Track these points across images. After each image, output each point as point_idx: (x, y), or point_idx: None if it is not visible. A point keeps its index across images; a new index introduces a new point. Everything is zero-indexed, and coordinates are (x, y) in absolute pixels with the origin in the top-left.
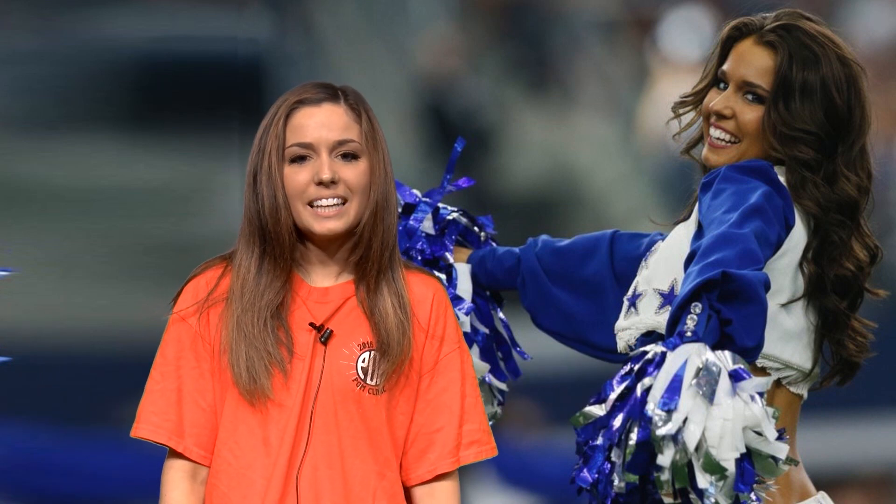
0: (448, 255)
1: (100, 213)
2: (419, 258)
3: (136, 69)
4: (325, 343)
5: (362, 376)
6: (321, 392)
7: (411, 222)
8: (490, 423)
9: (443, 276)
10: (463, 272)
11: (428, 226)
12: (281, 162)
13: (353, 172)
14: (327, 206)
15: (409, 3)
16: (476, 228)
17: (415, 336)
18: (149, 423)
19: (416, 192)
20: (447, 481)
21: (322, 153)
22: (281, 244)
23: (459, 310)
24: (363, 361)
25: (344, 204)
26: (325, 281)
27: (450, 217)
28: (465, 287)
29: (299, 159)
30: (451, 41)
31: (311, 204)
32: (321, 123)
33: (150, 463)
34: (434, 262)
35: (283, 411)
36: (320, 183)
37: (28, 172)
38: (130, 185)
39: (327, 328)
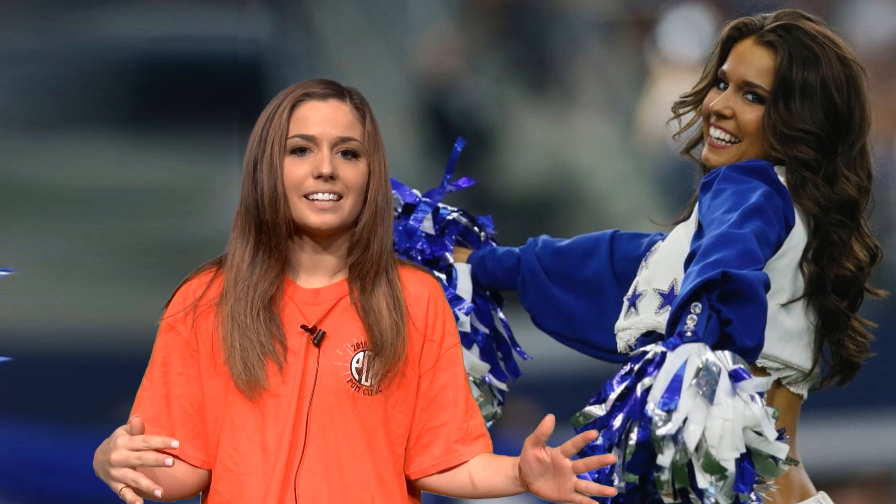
0: (448, 255)
1: (100, 213)
2: (419, 258)
3: (136, 69)
4: (318, 345)
5: (357, 377)
6: (316, 394)
7: (411, 222)
8: (490, 423)
9: (443, 276)
10: (463, 272)
11: (428, 226)
12: (282, 152)
13: (352, 171)
14: (323, 199)
15: (409, 3)
16: (476, 228)
17: (410, 335)
18: None
19: (416, 192)
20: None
21: (324, 148)
22: (277, 235)
23: (459, 310)
24: (357, 362)
25: (339, 200)
26: (315, 282)
27: (450, 217)
28: (465, 287)
29: (299, 151)
30: (451, 41)
31: (306, 196)
32: (325, 118)
33: None
34: (434, 262)
35: (280, 413)
36: (319, 177)
37: (28, 172)
38: (130, 185)
39: (320, 330)
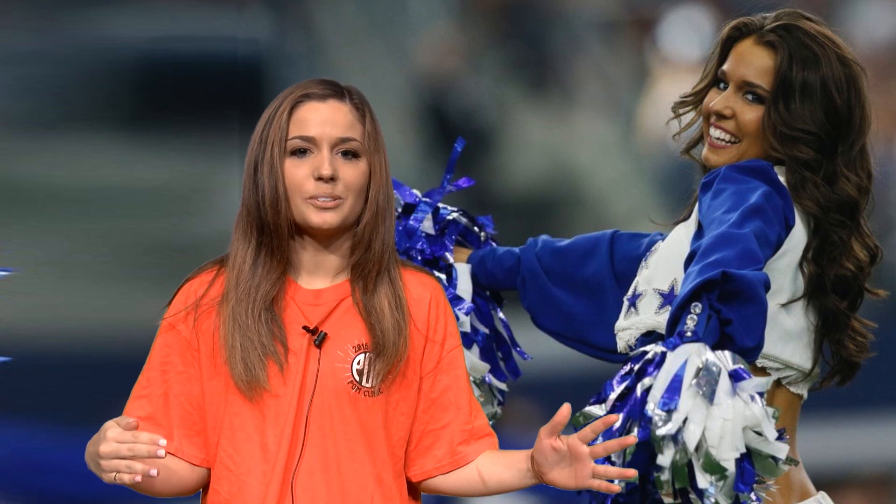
0: (448, 255)
1: (100, 213)
2: (419, 258)
3: (136, 69)
4: (319, 346)
5: (357, 378)
6: (316, 395)
7: (411, 222)
8: (490, 423)
9: (443, 276)
10: (463, 272)
11: (428, 226)
12: (282, 154)
13: (352, 171)
14: (324, 199)
15: (409, 3)
16: (476, 228)
17: (412, 337)
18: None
19: (416, 192)
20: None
21: (324, 149)
22: (279, 236)
23: (459, 310)
24: (358, 363)
25: (341, 200)
26: (317, 282)
27: (450, 217)
28: (465, 287)
29: (300, 152)
30: (451, 41)
31: (307, 197)
32: (325, 119)
33: None
34: (434, 262)
35: (280, 413)
36: (319, 178)
37: (28, 172)
38: (130, 185)
39: (321, 331)
